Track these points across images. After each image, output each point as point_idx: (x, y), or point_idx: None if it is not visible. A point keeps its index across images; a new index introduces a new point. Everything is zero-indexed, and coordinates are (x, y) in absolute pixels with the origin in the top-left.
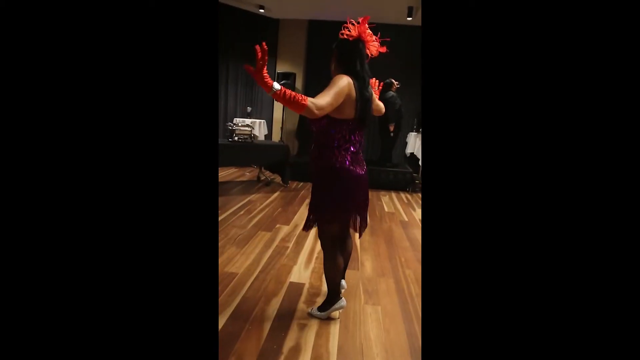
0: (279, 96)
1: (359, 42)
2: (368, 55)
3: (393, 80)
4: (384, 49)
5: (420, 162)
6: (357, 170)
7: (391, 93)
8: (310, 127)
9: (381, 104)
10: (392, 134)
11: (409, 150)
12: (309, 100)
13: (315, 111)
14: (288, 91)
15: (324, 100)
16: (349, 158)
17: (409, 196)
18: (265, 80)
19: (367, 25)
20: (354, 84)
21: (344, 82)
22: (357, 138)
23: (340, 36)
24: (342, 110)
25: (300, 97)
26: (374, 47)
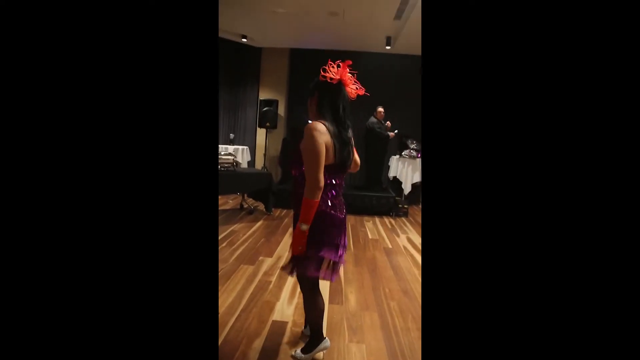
0: (307, 219)
1: (341, 86)
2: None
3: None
4: (362, 92)
5: (403, 186)
6: (338, 214)
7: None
8: (290, 170)
9: (358, 159)
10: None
11: (391, 174)
12: (308, 195)
13: (318, 189)
14: (303, 210)
15: (312, 176)
16: (329, 202)
17: (392, 221)
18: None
19: (347, 69)
20: (329, 129)
21: (314, 138)
22: (337, 182)
23: (321, 79)
24: None
25: (305, 202)
26: (353, 89)
